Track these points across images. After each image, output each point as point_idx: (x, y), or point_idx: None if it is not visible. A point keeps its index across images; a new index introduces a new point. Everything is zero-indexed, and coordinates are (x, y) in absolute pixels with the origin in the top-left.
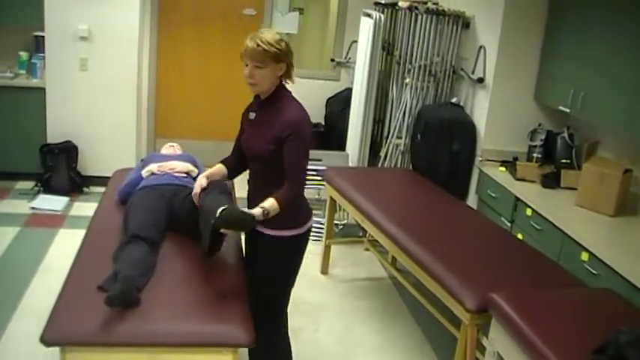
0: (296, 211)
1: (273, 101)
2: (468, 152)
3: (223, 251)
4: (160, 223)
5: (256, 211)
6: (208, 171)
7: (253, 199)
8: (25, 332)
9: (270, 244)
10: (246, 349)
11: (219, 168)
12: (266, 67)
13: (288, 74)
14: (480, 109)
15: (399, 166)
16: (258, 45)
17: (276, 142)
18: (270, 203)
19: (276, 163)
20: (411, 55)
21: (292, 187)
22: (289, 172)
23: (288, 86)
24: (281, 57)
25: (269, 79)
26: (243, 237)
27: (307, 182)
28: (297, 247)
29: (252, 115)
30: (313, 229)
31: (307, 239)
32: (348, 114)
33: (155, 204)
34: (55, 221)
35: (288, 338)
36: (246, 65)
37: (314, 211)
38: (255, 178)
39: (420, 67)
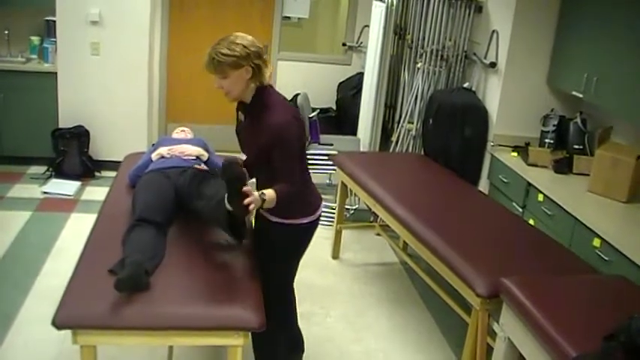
0: (306, 200)
1: (257, 106)
2: (480, 137)
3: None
4: (167, 204)
5: (256, 194)
6: None
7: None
8: (38, 314)
9: (280, 231)
10: None
11: None
12: (228, 76)
13: (258, 75)
14: (492, 94)
15: (410, 151)
16: (213, 58)
17: (264, 148)
18: (269, 193)
19: (267, 162)
20: (423, 39)
21: (288, 186)
22: (282, 175)
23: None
24: (239, 62)
25: (237, 85)
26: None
27: (318, 167)
28: (307, 234)
29: (241, 116)
30: (325, 214)
31: (317, 225)
32: (360, 98)
33: (161, 186)
34: (66, 205)
35: (296, 316)
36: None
37: (325, 196)
38: (252, 171)
39: (432, 51)
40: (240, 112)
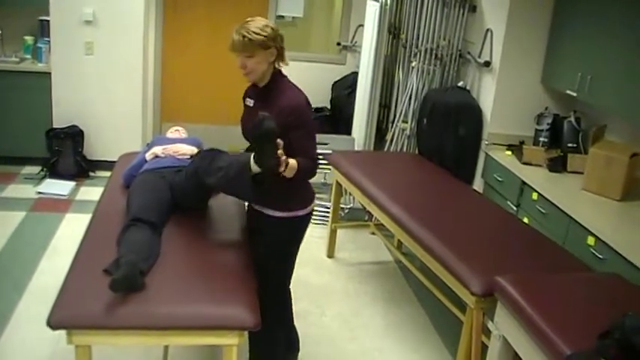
0: (303, 193)
1: (271, 89)
2: (474, 136)
3: (228, 232)
4: (162, 204)
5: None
6: None
7: None
8: (33, 314)
9: (277, 224)
10: None
11: None
12: (255, 55)
13: (280, 57)
14: (487, 93)
15: (405, 150)
16: (244, 36)
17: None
18: (291, 160)
19: None
20: (418, 38)
21: (308, 161)
22: (303, 154)
23: (287, 70)
24: (268, 43)
25: (261, 66)
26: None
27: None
28: (303, 226)
29: (249, 102)
30: (320, 213)
31: (310, 219)
32: (354, 98)
33: (155, 185)
34: (61, 206)
35: (292, 315)
36: (238, 57)
37: (320, 195)
38: None
39: (426, 50)
40: (248, 99)
